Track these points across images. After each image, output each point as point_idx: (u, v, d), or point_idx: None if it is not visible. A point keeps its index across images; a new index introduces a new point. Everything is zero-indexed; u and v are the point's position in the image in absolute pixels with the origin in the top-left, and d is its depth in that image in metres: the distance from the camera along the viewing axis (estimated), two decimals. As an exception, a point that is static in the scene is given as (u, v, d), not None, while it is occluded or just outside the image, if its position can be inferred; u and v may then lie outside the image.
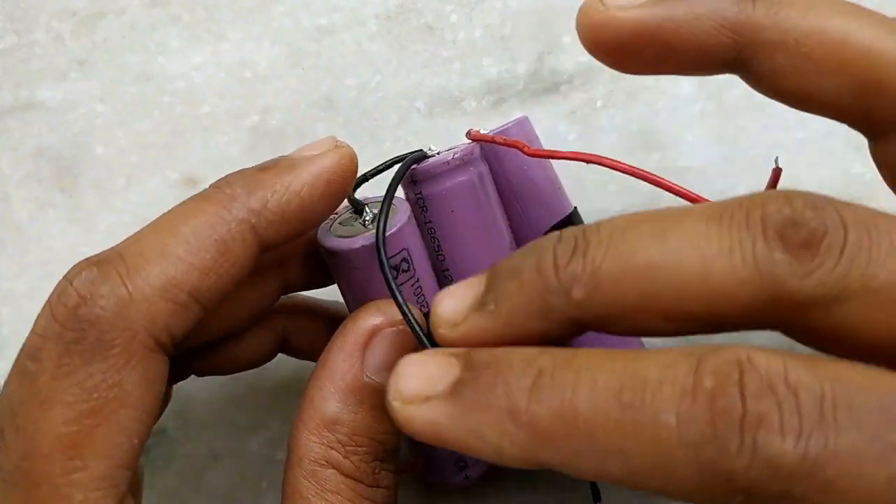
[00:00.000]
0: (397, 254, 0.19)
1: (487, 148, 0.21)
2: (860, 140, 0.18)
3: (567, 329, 0.14)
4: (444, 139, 0.28)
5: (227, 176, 0.18)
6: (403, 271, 0.19)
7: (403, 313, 0.17)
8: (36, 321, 0.17)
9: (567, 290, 0.14)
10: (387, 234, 0.19)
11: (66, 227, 0.28)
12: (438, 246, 0.21)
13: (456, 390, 0.14)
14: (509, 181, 0.22)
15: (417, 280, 0.20)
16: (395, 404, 0.14)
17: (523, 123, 0.22)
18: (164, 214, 0.18)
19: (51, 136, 0.29)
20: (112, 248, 0.17)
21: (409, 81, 0.29)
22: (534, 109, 0.28)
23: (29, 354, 0.16)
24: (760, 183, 0.27)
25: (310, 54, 0.29)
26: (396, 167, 0.21)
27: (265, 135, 0.29)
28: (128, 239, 0.17)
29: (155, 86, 0.29)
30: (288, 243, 0.19)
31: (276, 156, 0.25)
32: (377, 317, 0.19)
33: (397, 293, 0.17)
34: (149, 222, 0.18)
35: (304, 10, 0.29)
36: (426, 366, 0.15)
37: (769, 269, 0.13)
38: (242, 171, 0.18)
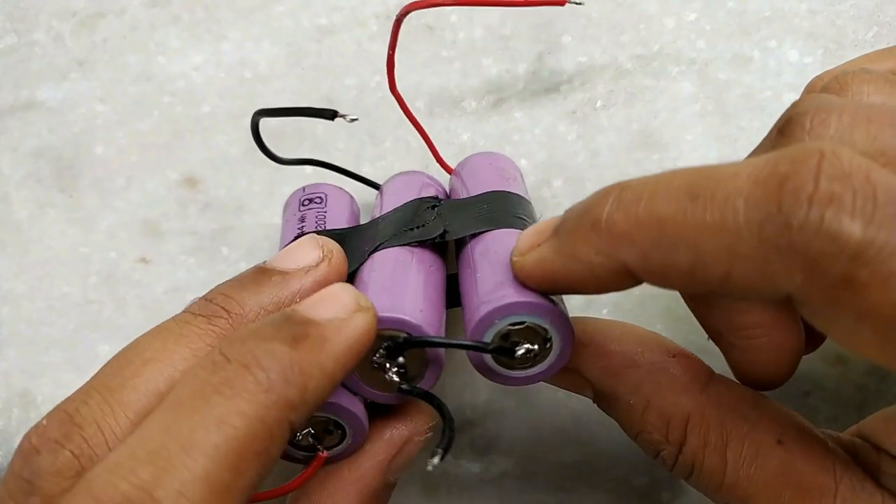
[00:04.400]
0: (316, 193, 0.24)
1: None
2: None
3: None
4: (444, 139, 0.28)
5: (251, 347, 0.15)
6: (316, 203, 0.24)
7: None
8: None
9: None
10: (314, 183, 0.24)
11: (66, 227, 0.28)
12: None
13: (556, 230, 0.17)
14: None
15: (325, 213, 0.23)
16: (515, 259, 0.18)
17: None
18: (188, 412, 0.14)
19: (51, 136, 0.29)
20: (136, 481, 0.13)
21: (409, 81, 0.29)
22: (534, 109, 0.28)
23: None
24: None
25: (310, 54, 0.29)
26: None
27: (265, 135, 0.29)
28: (152, 455, 0.14)
29: (155, 86, 0.29)
30: None
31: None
32: (406, 426, 0.20)
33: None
34: (167, 425, 0.14)
35: (304, 10, 0.29)
36: (538, 226, 0.18)
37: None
38: (270, 348, 0.15)
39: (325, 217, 0.23)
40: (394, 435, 0.20)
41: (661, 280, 0.15)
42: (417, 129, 0.25)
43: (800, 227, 0.12)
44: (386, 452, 0.19)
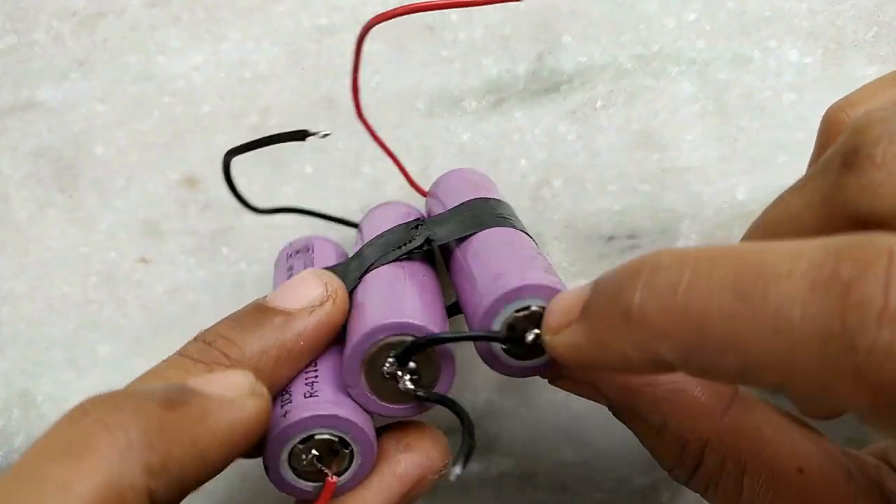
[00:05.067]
0: (305, 245, 0.25)
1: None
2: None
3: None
4: (444, 139, 0.28)
5: (116, 402, 0.14)
6: (304, 252, 0.24)
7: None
8: None
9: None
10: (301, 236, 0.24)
11: (66, 227, 0.28)
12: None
13: (585, 311, 0.15)
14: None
15: (313, 259, 0.23)
16: (546, 338, 0.16)
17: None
18: (27, 473, 0.13)
19: (51, 136, 0.29)
20: None
21: (409, 81, 0.29)
22: (534, 109, 0.28)
23: None
24: (760, 183, 0.27)
25: (310, 54, 0.29)
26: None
27: (265, 135, 0.29)
28: None
29: (155, 86, 0.29)
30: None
31: (276, 156, 0.24)
32: (421, 462, 0.19)
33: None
34: (6, 479, 0.13)
35: (304, 10, 0.29)
36: (567, 298, 0.16)
37: (843, 198, 0.14)
38: (139, 406, 0.14)
39: (312, 262, 0.23)
40: (408, 470, 0.19)
41: (707, 377, 0.14)
42: (388, 155, 0.25)
43: (868, 351, 0.11)
44: (399, 489, 0.19)
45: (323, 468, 0.18)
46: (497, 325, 0.18)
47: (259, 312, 0.18)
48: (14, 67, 0.30)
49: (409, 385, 0.18)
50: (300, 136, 0.22)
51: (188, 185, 0.28)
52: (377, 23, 0.21)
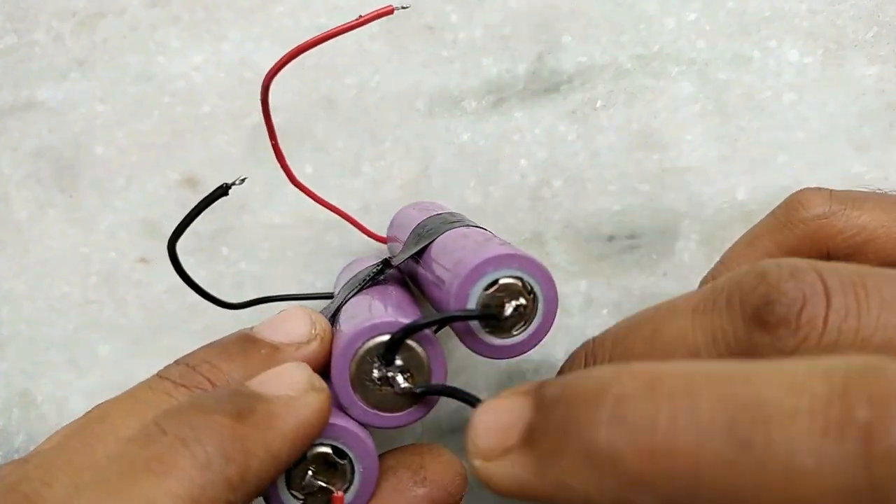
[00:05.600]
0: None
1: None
2: (860, 140, 0.18)
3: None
4: (444, 139, 0.28)
5: (189, 419, 0.14)
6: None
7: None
8: None
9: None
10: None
11: (66, 227, 0.28)
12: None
13: (530, 438, 0.12)
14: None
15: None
16: (476, 463, 0.13)
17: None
18: (110, 491, 0.13)
19: (51, 136, 0.29)
20: None
21: (409, 81, 0.29)
22: (534, 109, 0.28)
23: None
24: (760, 183, 0.27)
25: (310, 54, 0.29)
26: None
27: (265, 135, 0.29)
28: None
29: (155, 86, 0.29)
30: None
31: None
32: (440, 496, 0.18)
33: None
34: (87, 494, 0.14)
35: (304, 10, 0.29)
36: (500, 414, 0.13)
37: (753, 353, 0.12)
38: (212, 421, 0.14)
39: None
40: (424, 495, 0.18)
41: None
42: (343, 216, 0.24)
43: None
44: None
45: (325, 484, 0.17)
46: (472, 304, 0.17)
47: (245, 342, 0.17)
48: (14, 67, 0.30)
49: (405, 384, 0.18)
50: (221, 191, 0.21)
51: (188, 185, 0.28)
52: (273, 76, 0.21)
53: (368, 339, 0.17)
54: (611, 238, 0.28)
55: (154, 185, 0.28)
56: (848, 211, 0.19)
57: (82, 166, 0.29)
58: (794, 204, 0.20)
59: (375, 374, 0.18)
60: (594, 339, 0.15)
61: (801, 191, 0.21)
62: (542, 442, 0.12)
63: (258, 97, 0.29)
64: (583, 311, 0.26)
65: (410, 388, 0.18)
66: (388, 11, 0.20)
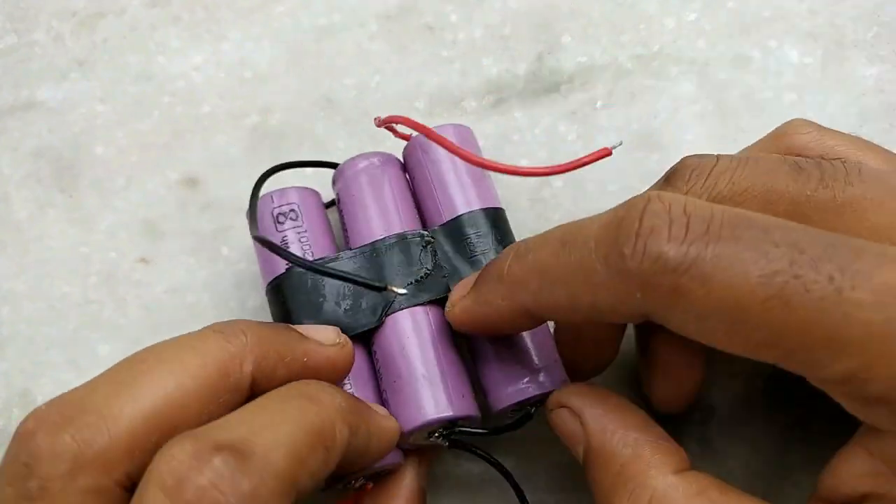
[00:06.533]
0: (286, 204, 0.23)
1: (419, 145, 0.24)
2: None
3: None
4: (444, 139, 0.28)
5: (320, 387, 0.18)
6: (291, 219, 0.23)
7: None
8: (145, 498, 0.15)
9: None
10: (280, 188, 0.23)
11: (66, 227, 0.28)
12: (344, 223, 0.24)
13: (475, 284, 0.20)
14: (429, 172, 0.24)
15: (305, 231, 0.23)
16: (447, 311, 0.21)
17: (461, 130, 0.25)
18: (272, 404, 0.17)
19: (51, 136, 0.29)
20: (229, 428, 0.16)
21: (409, 81, 0.29)
22: (534, 109, 0.28)
23: None
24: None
25: (310, 54, 0.29)
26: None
27: (265, 135, 0.29)
28: (242, 422, 0.16)
29: (155, 86, 0.29)
30: None
31: (276, 156, 0.25)
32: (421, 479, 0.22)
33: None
34: (241, 391, 0.18)
35: (303, 10, 0.29)
36: (466, 281, 0.21)
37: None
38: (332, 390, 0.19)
39: (307, 238, 0.23)
40: (409, 485, 0.22)
41: (552, 314, 0.19)
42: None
43: (630, 255, 0.16)
44: (419, 463, 0.22)
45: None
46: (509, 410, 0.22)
47: (285, 327, 0.20)
48: (14, 67, 0.30)
49: (443, 442, 0.21)
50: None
51: (188, 185, 0.28)
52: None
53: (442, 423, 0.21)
54: (611, 238, 0.28)
55: (154, 185, 0.28)
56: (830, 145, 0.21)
57: (82, 166, 0.29)
58: (782, 128, 0.22)
59: (431, 438, 0.21)
60: (519, 242, 0.20)
61: (792, 120, 0.22)
62: (479, 281, 0.20)
63: (258, 97, 0.29)
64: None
65: (442, 441, 0.21)
66: (606, 153, 0.21)
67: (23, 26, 0.30)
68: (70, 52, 0.30)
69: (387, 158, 0.24)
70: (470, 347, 0.23)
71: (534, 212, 0.27)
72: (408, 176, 0.25)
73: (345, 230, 0.24)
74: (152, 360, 0.17)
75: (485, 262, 0.22)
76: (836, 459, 0.18)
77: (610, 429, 0.19)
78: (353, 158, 0.24)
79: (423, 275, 0.22)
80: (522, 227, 0.25)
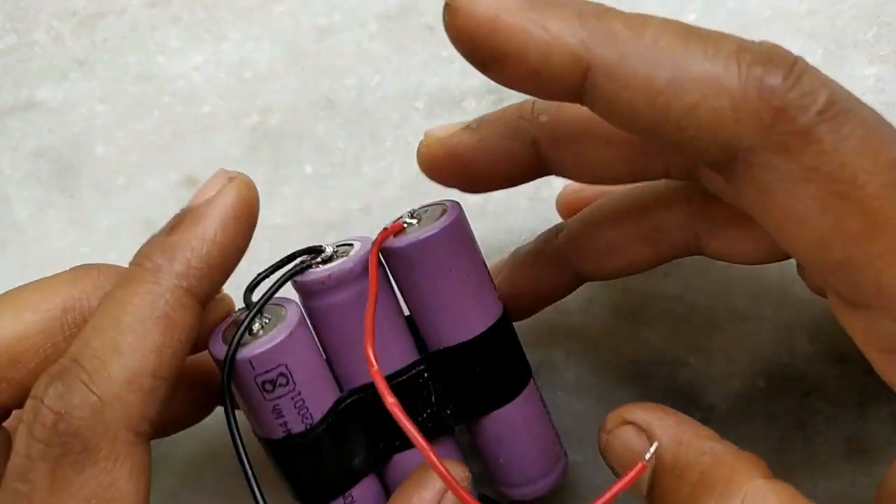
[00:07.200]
0: (273, 369, 0.19)
1: (396, 257, 0.21)
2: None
3: (530, 152, 0.19)
4: (444, 139, 0.28)
5: (142, 249, 0.18)
6: (281, 386, 0.19)
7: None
8: (15, 443, 0.17)
9: (536, 115, 0.19)
10: (261, 350, 0.19)
11: (66, 227, 0.28)
12: (327, 354, 0.21)
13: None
14: (416, 295, 0.21)
15: (298, 393, 0.19)
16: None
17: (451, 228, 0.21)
18: (99, 310, 0.18)
19: (51, 136, 0.29)
20: (66, 354, 0.17)
21: (409, 81, 0.29)
22: (534, 109, 0.28)
23: (18, 476, 0.16)
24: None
25: (310, 54, 0.29)
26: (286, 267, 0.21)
27: (265, 135, 0.29)
28: (77, 341, 0.17)
29: (155, 86, 0.29)
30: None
31: (276, 156, 0.25)
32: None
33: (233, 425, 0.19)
34: (88, 322, 0.17)
35: (303, 10, 0.29)
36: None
37: None
38: (154, 240, 0.19)
39: (302, 401, 0.20)
40: (436, 486, 0.20)
41: (624, 97, 0.15)
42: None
43: (783, 77, 0.14)
44: (431, 497, 0.20)
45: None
46: None
47: (174, 220, 0.19)
48: (14, 67, 0.30)
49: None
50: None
51: (188, 185, 0.29)
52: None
53: None
54: (611, 238, 0.28)
55: (154, 185, 0.28)
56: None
57: (82, 166, 0.29)
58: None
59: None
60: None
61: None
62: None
63: (258, 97, 0.29)
64: (583, 310, 0.26)
65: None
66: (641, 469, 0.18)
67: (23, 26, 0.30)
68: (70, 52, 0.30)
69: (359, 284, 0.20)
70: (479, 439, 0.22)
71: (534, 212, 0.27)
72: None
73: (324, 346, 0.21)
74: (1, 299, 0.19)
75: None
76: (891, 471, 0.18)
77: (685, 440, 0.18)
78: (323, 285, 0.20)
79: (422, 412, 0.21)
80: (522, 227, 0.25)
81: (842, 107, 0.15)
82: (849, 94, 0.15)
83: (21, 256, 0.28)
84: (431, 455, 0.17)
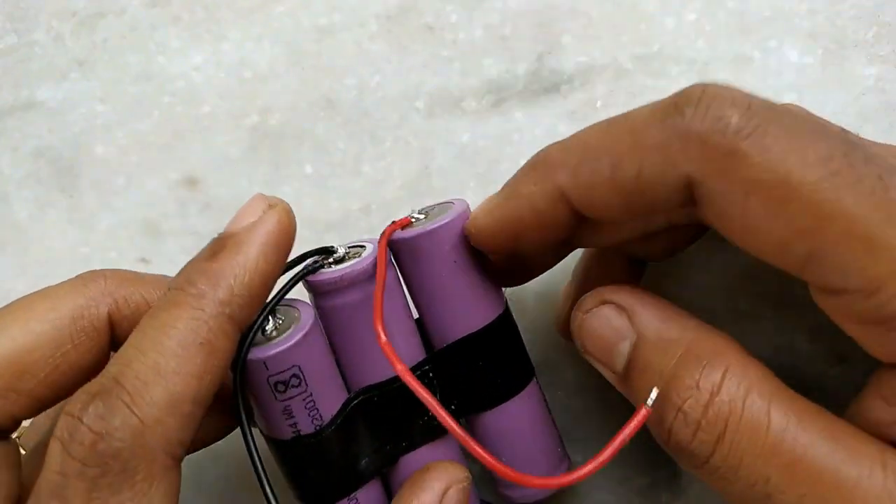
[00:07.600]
0: (287, 370, 0.19)
1: (404, 248, 0.21)
2: (860, 140, 0.18)
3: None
4: (444, 139, 0.28)
5: (184, 273, 0.18)
6: (293, 387, 0.19)
7: None
8: (48, 459, 0.16)
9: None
10: (276, 350, 0.19)
11: (66, 227, 0.28)
12: (336, 355, 0.21)
13: (503, 186, 0.21)
14: (423, 288, 0.21)
15: (310, 394, 0.19)
16: (468, 226, 0.21)
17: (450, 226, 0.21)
18: (140, 330, 0.17)
19: (51, 136, 0.29)
20: (105, 373, 0.17)
21: (409, 81, 0.29)
22: (534, 109, 0.28)
23: (52, 493, 0.16)
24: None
25: (310, 54, 0.29)
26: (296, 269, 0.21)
27: (265, 135, 0.29)
28: (117, 361, 0.17)
29: (155, 86, 0.29)
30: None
31: (276, 156, 0.25)
32: (448, 476, 0.21)
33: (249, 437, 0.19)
34: (128, 342, 0.17)
35: (304, 10, 0.29)
36: (492, 196, 0.21)
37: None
38: (196, 265, 0.18)
39: (313, 402, 0.20)
40: (435, 483, 0.21)
41: (589, 194, 0.18)
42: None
43: (692, 114, 0.16)
44: (432, 499, 0.20)
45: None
46: None
47: (216, 245, 0.19)
48: (14, 67, 0.30)
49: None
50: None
51: (188, 185, 0.29)
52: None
53: None
54: (611, 238, 0.28)
55: (154, 185, 0.28)
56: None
57: (82, 166, 0.29)
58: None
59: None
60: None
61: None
62: (507, 182, 0.21)
63: (258, 97, 0.29)
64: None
65: None
66: (646, 414, 0.18)
67: (23, 26, 0.30)
68: (70, 52, 0.30)
69: (367, 287, 0.20)
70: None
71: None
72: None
73: (333, 345, 0.21)
74: (4, 311, 0.19)
75: None
76: (851, 415, 0.18)
77: (667, 316, 0.19)
78: (335, 285, 0.20)
79: (418, 416, 0.21)
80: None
81: (759, 119, 0.16)
82: (767, 104, 0.16)
83: (21, 256, 0.28)
84: (448, 420, 0.17)
